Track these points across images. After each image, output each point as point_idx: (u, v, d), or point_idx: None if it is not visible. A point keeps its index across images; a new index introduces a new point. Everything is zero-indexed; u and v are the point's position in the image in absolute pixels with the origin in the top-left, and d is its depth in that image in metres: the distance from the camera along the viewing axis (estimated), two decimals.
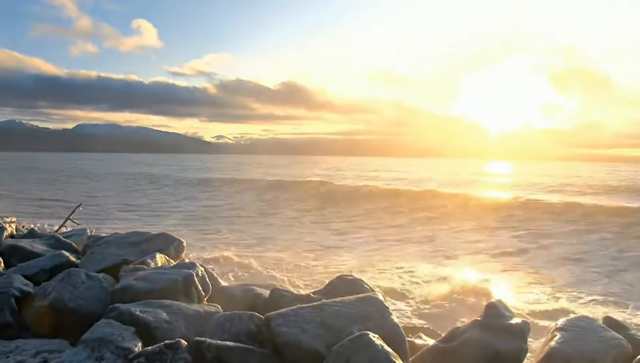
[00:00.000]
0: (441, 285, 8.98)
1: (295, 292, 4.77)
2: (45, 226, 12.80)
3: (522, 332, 3.66)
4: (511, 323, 3.71)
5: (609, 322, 4.11)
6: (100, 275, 4.71)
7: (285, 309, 3.71)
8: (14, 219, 8.10)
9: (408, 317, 7.36)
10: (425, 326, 6.12)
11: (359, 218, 21.37)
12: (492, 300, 4.06)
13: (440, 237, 16.52)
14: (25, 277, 4.75)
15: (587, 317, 3.97)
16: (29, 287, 4.49)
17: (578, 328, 3.74)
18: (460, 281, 9.20)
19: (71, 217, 11.67)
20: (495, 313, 3.82)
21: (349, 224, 19.75)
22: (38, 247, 6.06)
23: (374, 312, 3.69)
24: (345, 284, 4.90)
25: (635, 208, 19.86)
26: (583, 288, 9.79)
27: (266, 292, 4.78)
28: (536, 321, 6.76)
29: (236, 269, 10.04)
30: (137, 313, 3.70)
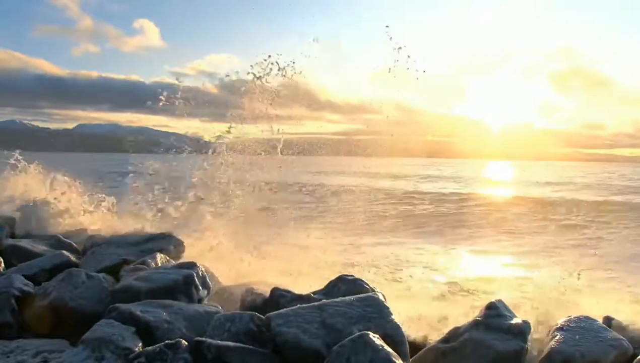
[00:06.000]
0: None
1: (295, 292, 4.77)
2: None
3: (522, 332, 3.66)
4: (511, 323, 3.71)
5: (609, 322, 4.11)
6: (101, 275, 4.72)
7: (285, 309, 3.71)
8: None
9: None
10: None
11: None
12: (493, 300, 4.06)
13: None
14: (26, 277, 4.76)
15: (587, 317, 3.96)
16: (29, 287, 4.49)
17: (578, 328, 3.74)
18: None
19: None
20: (495, 313, 3.82)
21: None
22: (38, 247, 6.07)
23: (374, 312, 3.68)
24: (345, 284, 4.89)
25: None
26: None
27: (266, 292, 4.78)
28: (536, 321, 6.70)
29: None
30: (138, 313, 3.70)
